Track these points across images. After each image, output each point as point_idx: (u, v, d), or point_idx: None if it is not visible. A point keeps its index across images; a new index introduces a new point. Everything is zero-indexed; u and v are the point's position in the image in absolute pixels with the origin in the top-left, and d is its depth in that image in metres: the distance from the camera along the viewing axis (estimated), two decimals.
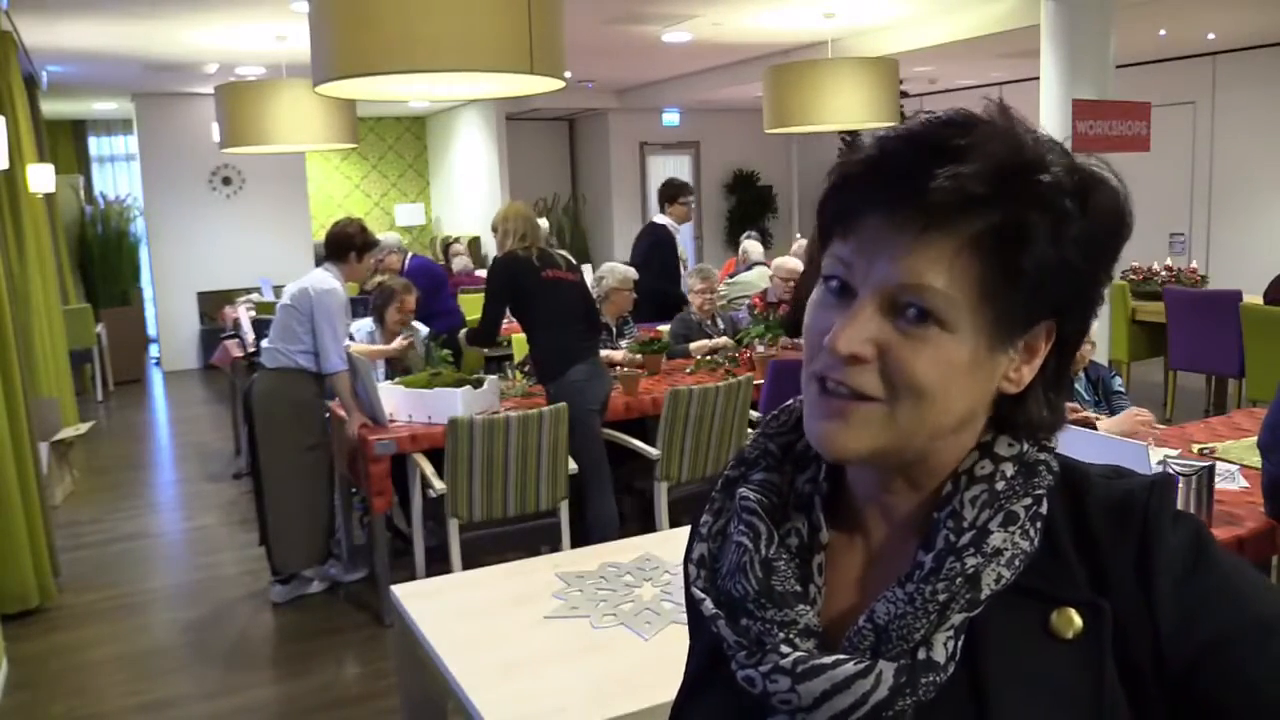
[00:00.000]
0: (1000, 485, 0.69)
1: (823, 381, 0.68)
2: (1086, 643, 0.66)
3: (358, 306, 6.08)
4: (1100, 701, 0.65)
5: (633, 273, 5.20)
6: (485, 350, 6.38)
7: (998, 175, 0.64)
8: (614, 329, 5.14)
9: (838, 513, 0.77)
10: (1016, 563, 0.67)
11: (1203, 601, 0.66)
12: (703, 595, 0.75)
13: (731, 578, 0.73)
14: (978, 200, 0.64)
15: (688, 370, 4.94)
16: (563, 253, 4.45)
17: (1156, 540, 0.67)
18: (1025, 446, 0.71)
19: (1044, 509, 0.69)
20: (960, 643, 0.67)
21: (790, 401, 0.81)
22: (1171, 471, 2.46)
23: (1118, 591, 0.67)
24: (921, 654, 0.66)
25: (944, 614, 0.66)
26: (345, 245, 4.19)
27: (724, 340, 5.22)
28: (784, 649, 0.69)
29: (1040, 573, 0.68)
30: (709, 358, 5.06)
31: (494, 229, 4.20)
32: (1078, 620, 0.67)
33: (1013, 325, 0.67)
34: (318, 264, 4.32)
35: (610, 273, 5.13)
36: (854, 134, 7.30)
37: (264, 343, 4.36)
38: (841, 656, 0.67)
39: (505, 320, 4.41)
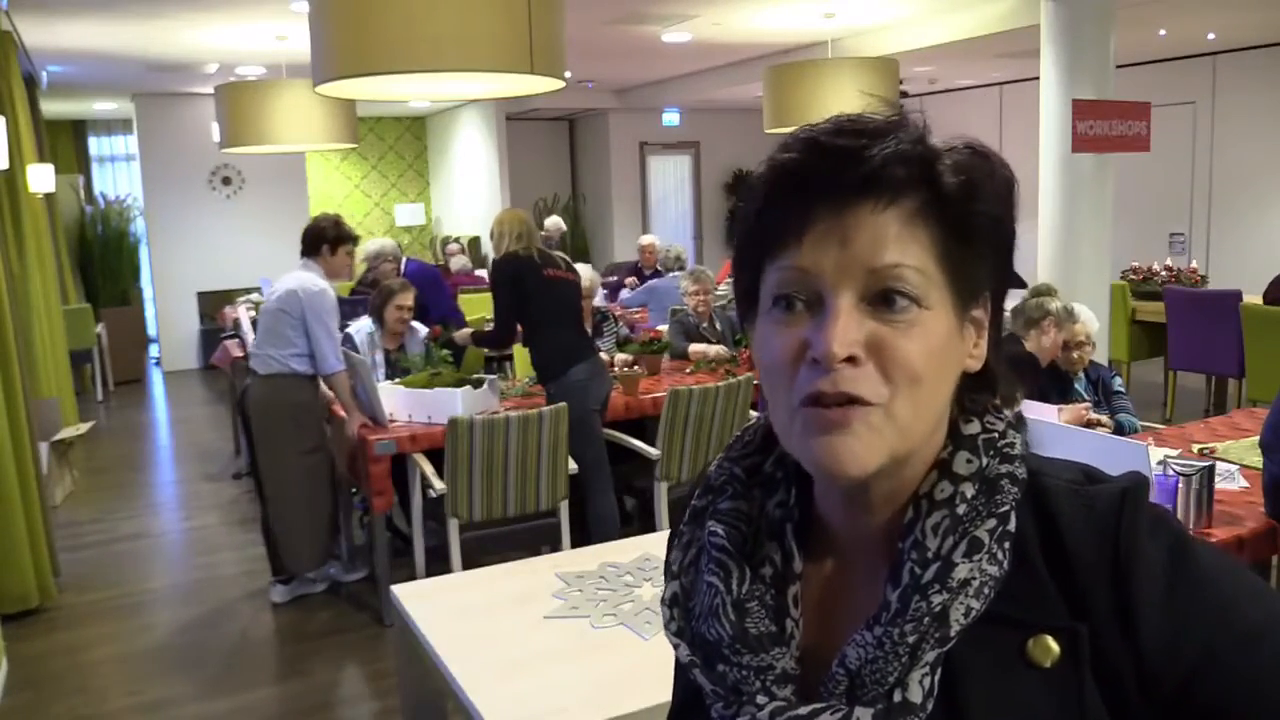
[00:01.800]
0: (961, 509, 0.66)
1: (817, 400, 0.64)
2: (1065, 670, 0.64)
3: (350, 307, 6.09)
4: None
5: (590, 272, 5.19)
6: (486, 350, 6.39)
7: (922, 141, 0.66)
8: (588, 331, 5.12)
9: (809, 537, 0.74)
10: (986, 591, 0.65)
11: (1187, 617, 0.64)
12: (677, 640, 0.73)
13: (705, 621, 0.71)
14: (918, 166, 0.65)
15: (688, 370, 4.94)
16: (560, 254, 4.46)
17: (1134, 556, 0.65)
18: (985, 460, 0.68)
19: (1011, 526, 0.67)
20: (936, 677, 0.65)
21: (752, 420, 0.79)
22: (1154, 472, 2.46)
23: (1096, 613, 0.65)
24: (897, 696, 0.64)
25: (915, 654, 0.64)
26: (317, 239, 4.15)
27: (720, 349, 5.18)
28: (760, 699, 0.67)
29: (1013, 597, 0.65)
30: (709, 358, 5.06)
31: (491, 234, 4.22)
32: (1055, 647, 0.64)
33: (971, 290, 0.68)
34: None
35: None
36: None
37: (251, 347, 4.33)
38: (818, 706, 0.65)
39: None
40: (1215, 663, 0.63)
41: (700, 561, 0.74)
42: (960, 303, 0.67)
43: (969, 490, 0.67)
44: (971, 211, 0.66)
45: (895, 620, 0.64)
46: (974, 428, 0.70)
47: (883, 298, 0.64)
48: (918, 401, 0.65)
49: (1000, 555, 0.65)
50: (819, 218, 0.65)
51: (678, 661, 0.79)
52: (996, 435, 0.70)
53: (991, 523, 0.66)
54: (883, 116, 0.68)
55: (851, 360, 0.63)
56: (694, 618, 0.72)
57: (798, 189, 0.66)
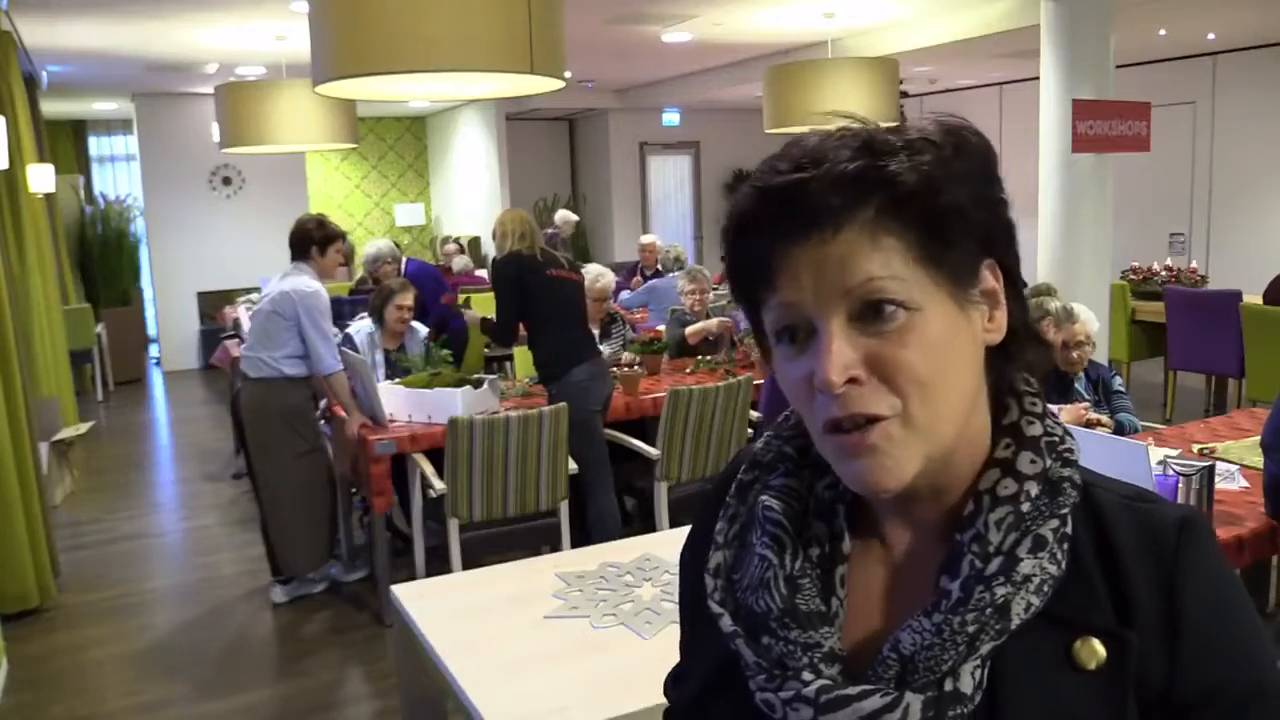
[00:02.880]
0: (1025, 507, 0.68)
1: (837, 427, 0.66)
2: (1109, 674, 0.65)
3: (351, 307, 6.10)
4: None
5: (609, 276, 5.19)
6: (486, 350, 6.40)
7: (865, 149, 0.65)
8: (595, 332, 5.13)
9: (858, 519, 0.75)
10: (1045, 589, 0.66)
11: (1216, 650, 0.66)
12: (720, 610, 0.73)
13: (754, 593, 0.71)
14: (857, 182, 0.64)
15: (688, 370, 4.94)
16: (564, 254, 4.46)
17: (1190, 581, 0.67)
18: (1048, 462, 0.69)
19: (1069, 529, 0.68)
20: (987, 670, 0.65)
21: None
22: (1154, 472, 2.46)
23: (1143, 625, 0.66)
24: (948, 685, 0.64)
25: (973, 645, 0.64)
26: (305, 240, 4.16)
27: (716, 322, 5.23)
28: (806, 675, 0.67)
29: (1064, 598, 0.67)
30: (709, 358, 5.06)
31: (493, 234, 4.21)
32: (1101, 651, 0.65)
33: (961, 274, 0.67)
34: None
35: (584, 274, 5.13)
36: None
37: (243, 349, 4.33)
38: (868, 687, 0.65)
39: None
40: (1222, 699, 0.66)
41: (746, 534, 0.74)
42: (955, 289, 0.67)
43: (1033, 489, 0.68)
44: (935, 205, 0.65)
45: (956, 609, 0.65)
46: (1035, 429, 0.71)
47: (869, 311, 0.65)
48: (933, 402, 0.65)
49: (1060, 555, 0.67)
50: (782, 257, 0.66)
51: (701, 634, 0.79)
52: (1057, 439, 0.71)
53: (1054, 523, 0.67)
54: (820, 135, 0.68)
55: (854, 381, 0.64)
56: (740, 589, 0.73)
57: (755, 235, 0.67)
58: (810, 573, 0.71)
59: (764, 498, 0.74)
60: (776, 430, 0.79)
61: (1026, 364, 0.73)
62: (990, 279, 0.69)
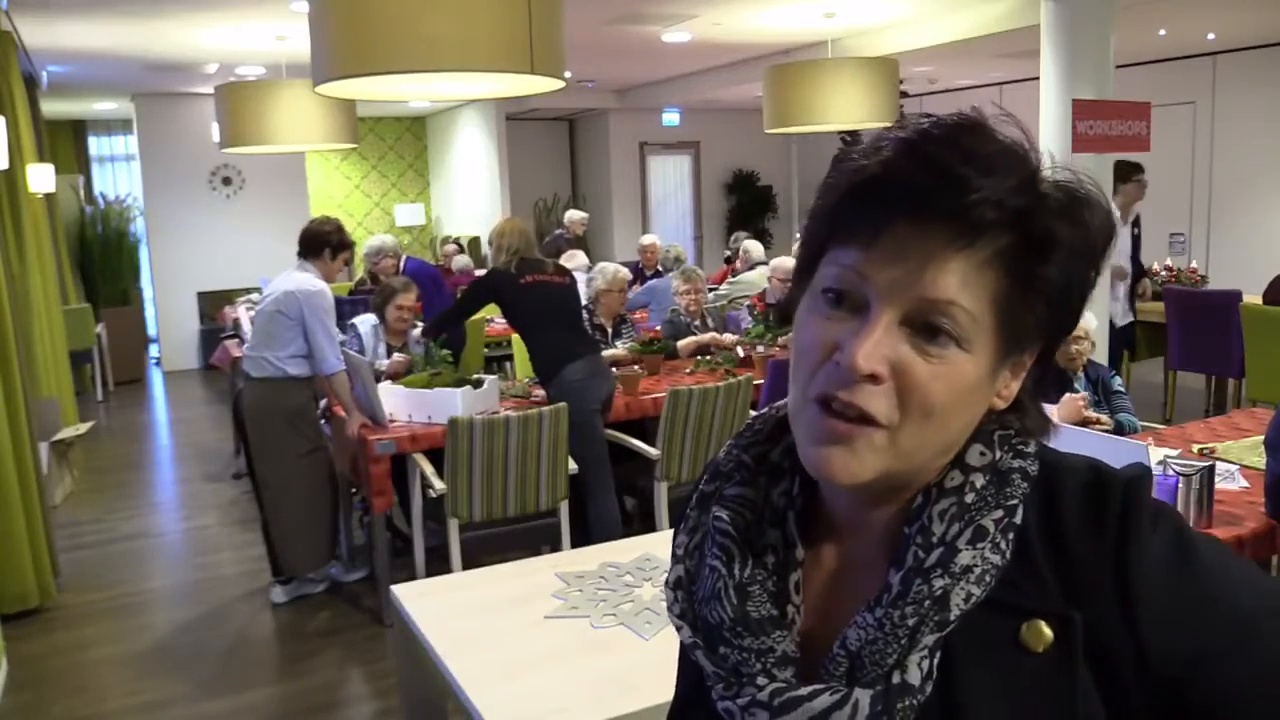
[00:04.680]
0: (970, 497, 0.67)
1: (826, 403, 0.65)
2: (1057, 654, 0.65)
3: (350, 307, 6.11)
4: (1074, 713, 0.64)
5: (624, 273, 5.20)
6: (486, 349, 6.41)
7: (1027, 189, 0.63)
8: (609, 330, 5.14)
9: (812, 524, 0.75)
10: (987, 579, 0.65)
11: (1185, 611, 0.64)
12: (680, 623, 0.74)
13: (707, 604, 0.72)
14: (1012, 214, 0.63)
15: (688, 370, 4.94)
16: (550, 260, 4.48)
17: (1135, 548, 0.65)
18: (999, 454, 0.69)
19: (1018, 519, 0.67)
20: (935, 660, 0.66)
21: (766, 409, 0.80)
22: (1154, 472, 2.46)
23: (1093, 601, 0.65)
24: (896, 677, 0.65)
25: (915, 637, 0.65)
26: (320, 243, 4.16)
27: (708, 336, 5.21)
28: (760, 680, 0.68)
29: (1010, 584, 0.66)
30: (708, 358, 5.06)
31: (490, 240, 4.27)
32: (1048, 632, 0.65)
33: (1019, 342, 0.66)
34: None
35: (600, 274, 5.13)
36: (854, 134, 7.31)
37: (245, 349, 4.32)
38: (818, 687, 0.66)
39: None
40: (1213, 655, 0.63)
41: (705, 546, 0.75)
42: (1005, 351, 0.66)
43: (979, 480, 0.68)
44: (1039, 273, 0.64)
45: (896, 602, 0.65)
46: (990, 425, 0.71)
47: (926, 328, 0.64)
48: (925, 433, 0.65)
49: (1004, 545, 0.66)
50: (893, 232, 0.64)
51: (681, 650, 0.80)
52: (1012, 433, 0.71)
53: (999, 513, 0.67)
54: (999, 144, 0.65)
55: (873, 378, 0.63)
56: (697, 601, 0.73)
57: (880, 201, 0.65)
58: (762, 580, 0.72)
59: (715, 509, 0.75)
60: (738, 438, 0.79)
61: (1021, 428, 0.72)
62: (1028, 354, 0.69)
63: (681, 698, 0.81)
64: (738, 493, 0.75)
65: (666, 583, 0.77)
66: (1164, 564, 0.65)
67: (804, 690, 0.66)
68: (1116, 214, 5.47)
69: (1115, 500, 0.67)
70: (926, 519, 0.67)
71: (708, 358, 5.07)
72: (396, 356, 4.72)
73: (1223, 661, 0.63)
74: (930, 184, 0.63)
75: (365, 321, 4.87)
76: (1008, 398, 0.69)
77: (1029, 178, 0.64)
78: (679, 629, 0.74)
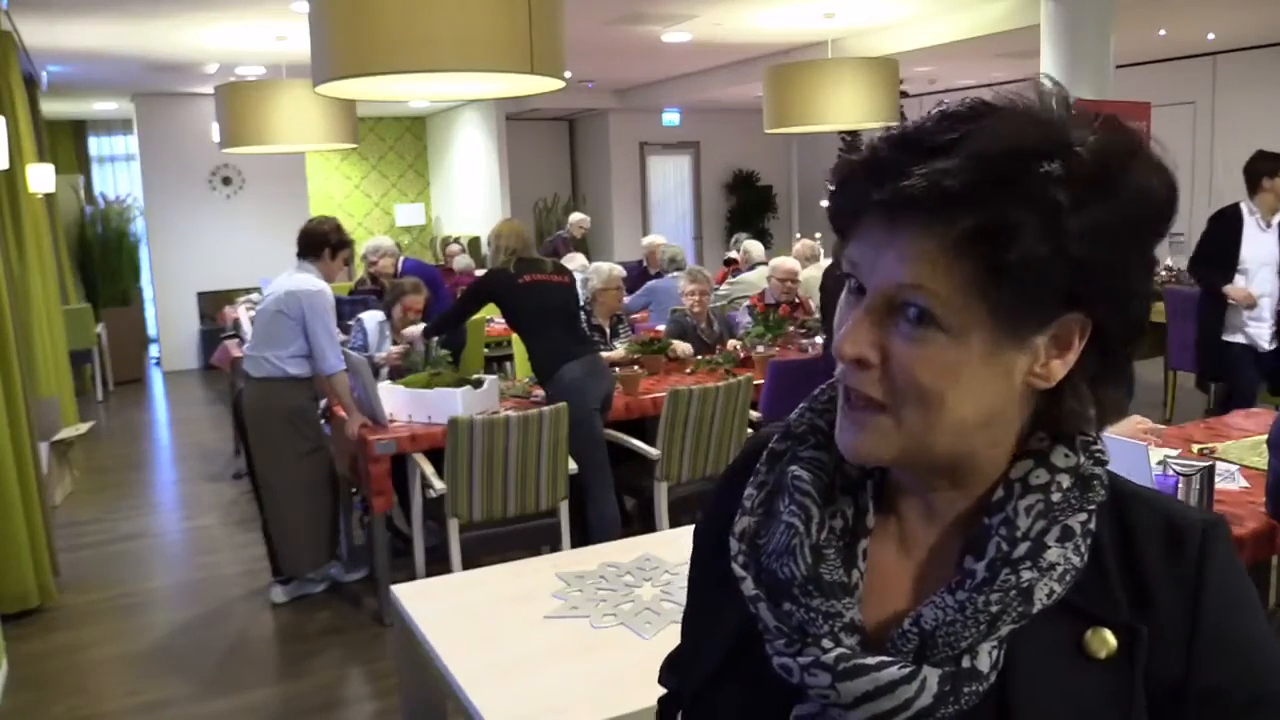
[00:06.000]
0: (1056, 496, 0.69)
1: (847, 392, 0.69)
2: (1119, 665, 0.67)
3: (350, 307, 6.11)
4: None
5: (619, 271, 5.20)
6: (486, 349, 6.41)
7: (978, 170, 0.61)
8: (607, 329, 5.13)
9: (880, 498, 0.76)
10: (1068, 579, 0.67)
11: (1227, 651, 0.68)
12: (744, 574, 0.73)
13: (778, 559, 0.72)
14: (956, 197, 0.61)
15: (688, 370, 4.93)
16: (550, 259, 4.48)
17: (1212, 583, 0.69)
18: (1081, 459, 0.70)
19: (1094, 526, 0.69)
20: (1003, 652, 0.66)
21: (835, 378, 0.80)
22: (1154, 472, 2.46)
23: (1161, 619, 0.68)
24: (966, 662, 0.66)
25: (994, 625, 0.66)
26: (320, 243, 4.15)
27: (685, 347, 5.08)
28: (826, 643, 0.68)
29: (1081, 590, 0.68)
30: (708, 358, 5.06)
31: (488, 242, 4.27)
32: (1112, 641, 0.67)
33: (1019, 321, 0.64)
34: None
35: (595, 273, 5.13)
36: (854, 134, 7.31)
37: (246, 349, 4.32)
38: (886, 659, 0.66)
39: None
40: (1218, 700, 0.68)
41: (774, 502, 0.75)
42: (1006, 329, 0.64)
43: (1065, 481, 0.70)
44: (1000, 255, 0.62)
45: (981, 588, 0.66)
46: (1070, 428, 0.72)
47: (905, 311, 0.65)
48: (927, 414, 0.66)
49: (1083, 549, 0.68)
50: (867, 222, 0.67)
51: (709, 614, 0.80)
52: (1091, 440, 0.72)
53: (1082, 516, 0.69)
54: (979, 126, 0.64)
55: (860, 362, 0.66)
56: (764, 554, 0.73)
57: (853, 195, 0.68)
58: (834, 544, 0.72)
59: (793, 467, 0.75)
60: (812, 402, 0.79)
61: (1079, 415, 0.70)
62: (1073, 332, 0.66)
63: (710, 670, 0.78)
64: (813, 455, 0.76)
65: (731, 533, 0.76)
66: (1230, 604, 0.70)
67: (870, 659, 0.66)
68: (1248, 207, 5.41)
69: (1196, 534, 0.70)
70: (1011, 511, 0.68)
71: (709, 358, 5.07)
72: (396, 348, 4.75)
73: (1226, 708, 0.68)
74: (886, 175, 0.64)
75: (372, 318, 4.90)
76: (1047, 377, 0.67)
77: (993, 160, 0.62)
78: (740, 580, 0.73)
